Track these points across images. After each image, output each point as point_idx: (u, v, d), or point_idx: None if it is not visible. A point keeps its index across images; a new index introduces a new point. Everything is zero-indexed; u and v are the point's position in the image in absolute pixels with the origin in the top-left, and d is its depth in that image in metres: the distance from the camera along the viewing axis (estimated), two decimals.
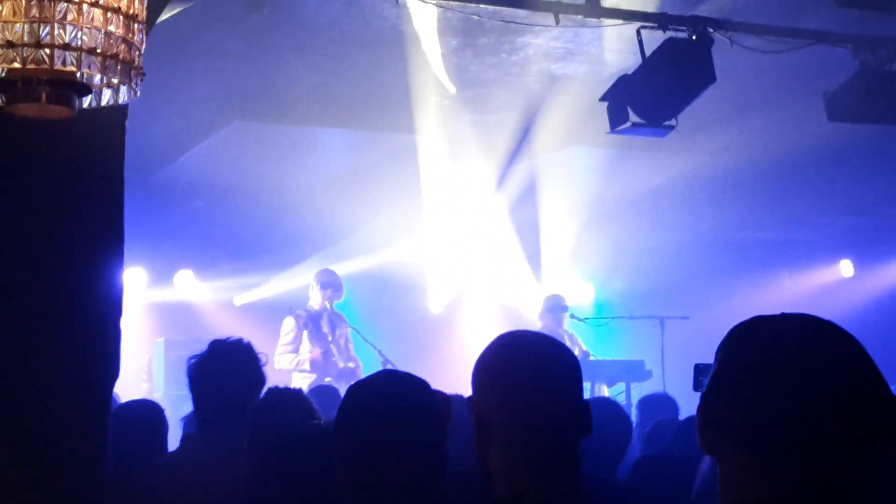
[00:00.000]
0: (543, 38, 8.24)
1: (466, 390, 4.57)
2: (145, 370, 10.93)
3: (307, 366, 10.10)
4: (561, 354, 2.48)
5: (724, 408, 1.74)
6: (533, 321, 11.42)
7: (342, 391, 8.73)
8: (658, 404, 6.69)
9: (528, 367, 2.40)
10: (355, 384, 2.87)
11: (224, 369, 4.18)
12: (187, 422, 5.33)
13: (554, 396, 2.39)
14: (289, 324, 10.31)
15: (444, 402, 2.79)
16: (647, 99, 7.37)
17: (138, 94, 2.47)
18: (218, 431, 4.10)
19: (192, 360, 4.24)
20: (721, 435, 1.75)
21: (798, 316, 1.78)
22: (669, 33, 7.28)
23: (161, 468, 4.12)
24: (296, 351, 10.21)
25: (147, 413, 4.79)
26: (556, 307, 11.17)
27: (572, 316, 11.46)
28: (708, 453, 1.79)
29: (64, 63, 2.27)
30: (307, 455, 3.36)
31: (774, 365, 1.70)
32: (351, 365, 10.33)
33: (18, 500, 3.42)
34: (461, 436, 3.06)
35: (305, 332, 10.25)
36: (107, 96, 2.50)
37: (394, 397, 2.74)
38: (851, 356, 1.72)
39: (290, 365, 10.13)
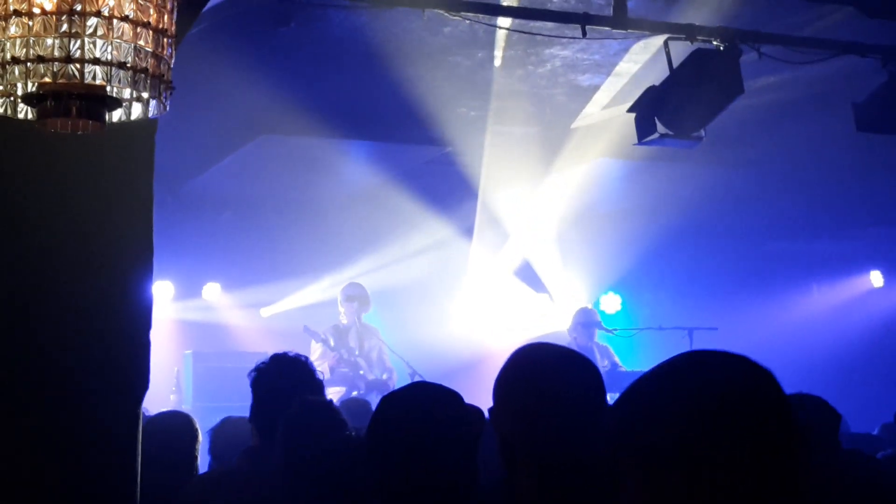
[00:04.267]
0: (570, 50, 8.24)
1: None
2: (174, 382, 10.96)
3: (327, 373, 10.14)
4: (580, 367, 2.45)
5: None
6: (559, 334, 11.39)
7: (374, 403, 8.79)
8: None
9: (546, 384, 2.38)
10: (388, 395, 2.86)
11: (286, 381, 4.28)
12: (214, 434, 5.34)
13: (574, 411, 2.36)
14: (315, 343, 10.38)
15: (477, 414, 2.78)
16: (675, 110, 7.34)
17: (168, 108, 2.48)
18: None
19: (253, 373, 4.36)
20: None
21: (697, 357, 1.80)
22: (697, 44, 7.25)
23: (220, 481, 4.15)
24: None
25: (179, 425, 4.80)
26: (588, 322, 11.08)
27: (600, 327, 11.43)
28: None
29: (94, 78, 2.28)
30: (340, 466, 3.36)
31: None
32: (384, 377, 10.35)
33: None
34: (493, 449, 3.05)
35: (321, 346, 10.29)
36: (136, 110, 2.51)
37: (426, 409, 2.73)
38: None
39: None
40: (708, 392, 1.69)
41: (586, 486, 2.36)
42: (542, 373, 2.42)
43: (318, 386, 4.46)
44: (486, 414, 2.81)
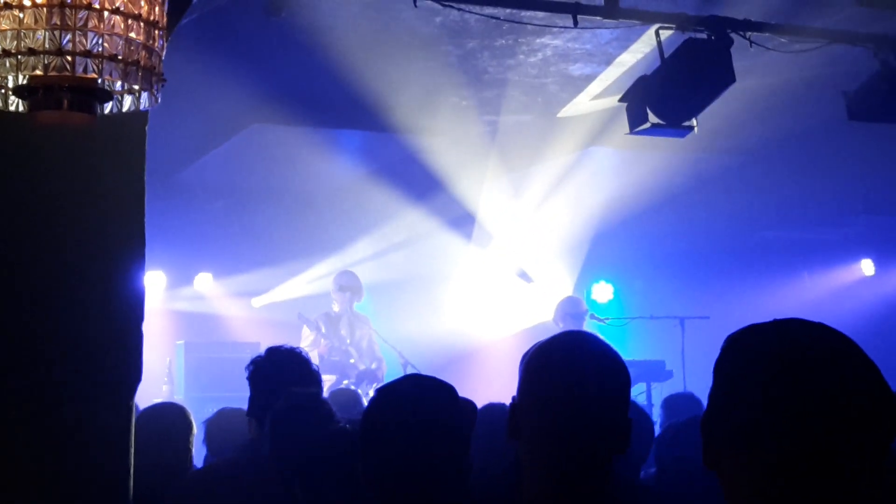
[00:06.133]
0: (561, 40, 8.23)
1: (485, 394, 4.56)
2: (166, 373, 10.96)
3: (316, 360, 10.16)
4: (610, 369, 2.43)
5: (728, 423, 1.74)
6: (550, 324, 11.39)
7: (364, 392, 8.82)
8: (682, 404, 6.66)
9: (570, 378, 2.37)
10: (382, 388, 2.86)
11: (283, 373, 4.28)
12: (208, 425, 5.35)
13: (589, 413, 2.34)
14: (306, 330, 10.40)
15: (470, 409, 2.78)
16: (667, 100, 7.34)
17: (159, 99, 2.48)
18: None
19: (251, 367, 4.35)
20: (726, 450, 1.75)
21: (791, 321, 1.79)
22: (688, 34, 7.25)
23: (217, 474, 4.15)
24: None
25: (174, 417, 4.80)
26: (576, 313, 11.02)
27: (592, 316, 11.40)
28: (711, 468, 1.78)
29: (85, 70, 2.28)
30: (330, 459, 3.36)
31: (774, 374, 1.70)
32: (373, 366, 10.37)
33: None
34: (486, 444, 3.04)
35: (313, 333, 10.31)
36: (128, 102, 2.50)
37: (420, 403, 2.72)
38: (850, 359, 1.73)
39: None
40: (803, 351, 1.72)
41: (581, 481, 2.36)
42: (570, 365, 2.39)
43: (315, 377, 4.45)
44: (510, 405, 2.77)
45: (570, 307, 11.12)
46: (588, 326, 11.28)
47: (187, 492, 4.10)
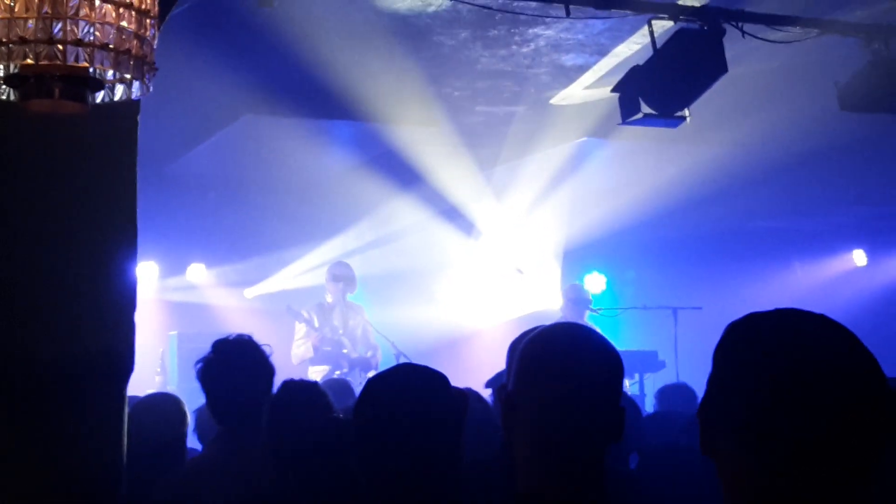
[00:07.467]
0: (554, 30, 8.23)
1: (478, 382, 4.56)
2: (159, 363, 10.95)
3: (311, 352, 10.20)
4: (606, 359, 2.43)
5: (728, 409, 1.75)
6: (543, 313, 11.40)
7: (357, 380, 8.80)
8: (677, 395, 6.69)
9: (568, 366, 2.37)
10: (374, 377, 2.86)
11: (232, 367, 4.19)
12: (199, 414, 5.35)
13: (586, 401, 2.35)
14: (297, 324, 10.43)
15: (462, 396, 2.78)
16: (659, 90, 7.34)
17: (151, 89, 2.48)
18: (240, 429, 4.11)
19: (199, 364, 4.26)
20: (725, 436, 1.75)
21: (793, 311, 1.79)
22: (681, 24, 7.25)
23: (188, 473, 4.15)
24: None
25: (168, 406, 4.81)
26: (579, 299, 11.02)
27: (589, 306, 11.39)
28: (708, 454, 1.79)
29: (77, 59, 2.27)
30: (326, 449, 3.37)
31: (776, 363, 1.71)
32: (368, 354, 10.41)
33: (35, 499, 3.43)
34: (476, 431, 3.05)
35: (306, 326, 10.33)
36: (119, 91, 2.50)
37: (412, 391, 2.73)
38: (850, 350, 1.73)
39: (303, 354, 10.23)
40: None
41: (580, 471, 2.36)
42: (565, 356, 2.39)
43: (265, 364, 4.28)
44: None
45: (573, 293, 11.11)
46: (587, 317, 11.29)
47: (180, 482, 4.09)
